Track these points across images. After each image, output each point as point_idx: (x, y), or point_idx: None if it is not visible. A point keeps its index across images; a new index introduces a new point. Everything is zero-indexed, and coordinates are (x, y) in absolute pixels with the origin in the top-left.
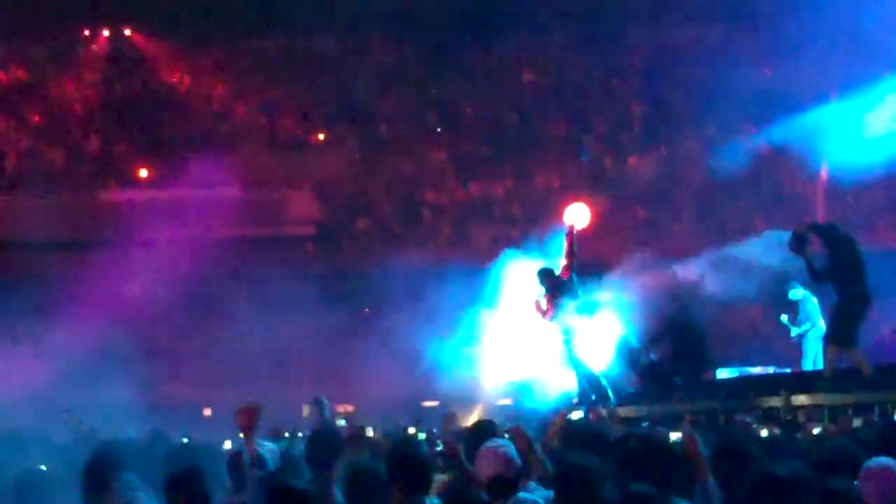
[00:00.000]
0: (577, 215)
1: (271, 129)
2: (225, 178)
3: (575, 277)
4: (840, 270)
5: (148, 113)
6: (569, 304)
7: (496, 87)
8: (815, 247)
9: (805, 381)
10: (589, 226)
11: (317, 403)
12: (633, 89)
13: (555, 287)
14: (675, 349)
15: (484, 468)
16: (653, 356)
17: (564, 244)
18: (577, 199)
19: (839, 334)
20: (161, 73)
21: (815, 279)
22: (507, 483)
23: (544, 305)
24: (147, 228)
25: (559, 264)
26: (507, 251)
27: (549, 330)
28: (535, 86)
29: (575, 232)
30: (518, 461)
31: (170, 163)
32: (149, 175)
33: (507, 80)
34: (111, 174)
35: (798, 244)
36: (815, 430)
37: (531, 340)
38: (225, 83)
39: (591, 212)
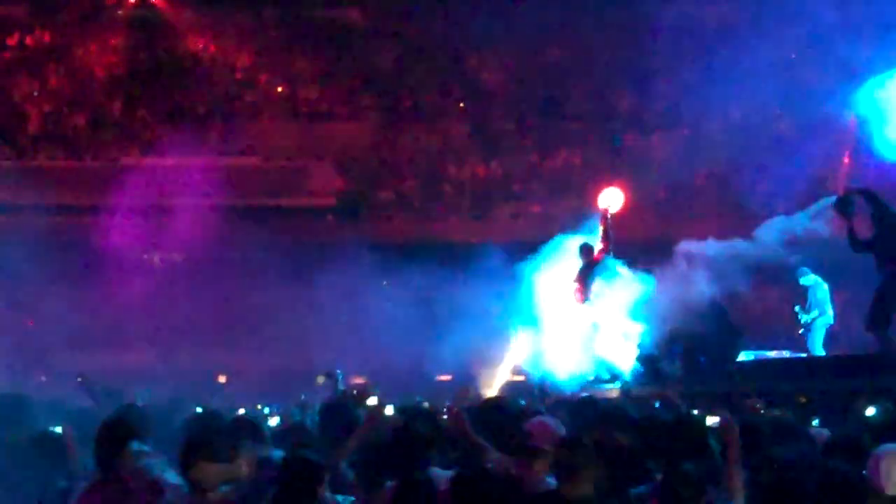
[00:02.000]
0: (612, 199)
1: (294, 100)
2: (247, 147)
3: (609, 261)
4: (885, 245)
5: (171, 80)
6: (600, 287)
7: (521, 61)
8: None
9: (819, 367)
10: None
11: (330, 376)
12: (658, 67)
13: (588, 267)
14: (704, 331)
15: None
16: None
17: (599, 228)
18: (597, 178)
19: (881, 317)
20: (185, 41)
21: (855, 248)
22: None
23: (579, 288)
24: (168, 195)
25: (596, 247)
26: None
27: (579, 310)
28: (559, 61)
29: (609, 216)
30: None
31: (192, 130)
32: (171, 142)
33: (532, 55)
34: (133, 140)
35: (844, 207)
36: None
37: (554, 317)
38: (249, 52)
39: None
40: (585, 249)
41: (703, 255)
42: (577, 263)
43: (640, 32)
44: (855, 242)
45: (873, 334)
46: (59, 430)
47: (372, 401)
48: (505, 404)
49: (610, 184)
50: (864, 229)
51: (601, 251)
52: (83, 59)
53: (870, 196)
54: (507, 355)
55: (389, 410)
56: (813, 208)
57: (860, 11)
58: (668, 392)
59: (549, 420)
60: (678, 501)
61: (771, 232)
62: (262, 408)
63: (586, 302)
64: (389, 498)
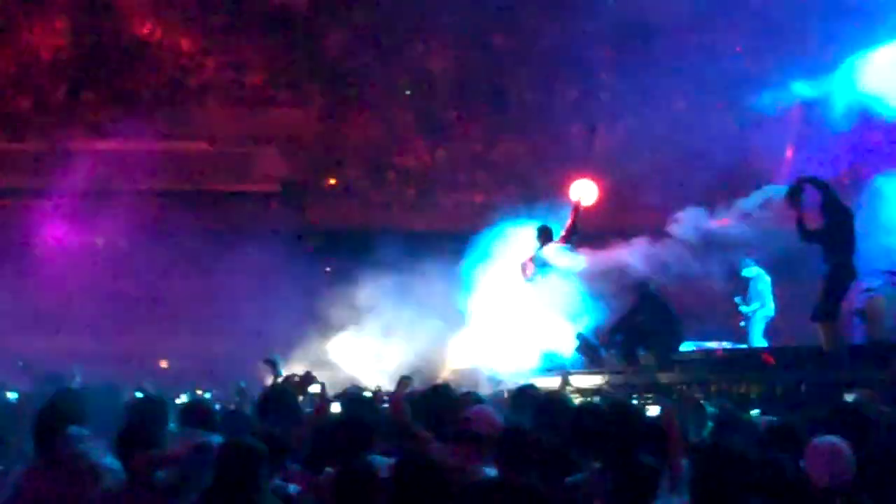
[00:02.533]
0: (584, 191)
1: (239, 85)
2: (192, 132)
3: (570, 251)
4: (833, 236)
5: (116, 64)
6: (551, 273)
7: (466, 50)
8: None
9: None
10: (558, 196)
11: (269, 363)
12: (604, 57)
13: (545, 248)
14: (644, 322)
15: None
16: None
17: (568, 219)
18: (541, 168)
19: (828, 310)
20: (131, 25)
21: (803, 237)
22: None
23: (529, 265)
24: (111, 179)
25: (559, 234)
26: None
27: (522, 299)
28: (504, 50)
29: (581, 208)
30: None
31: (137, 115)
32: (115, 126)
33: (477, 43)
34: (78, 123)
35: (794, 196)
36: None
37: (497, 307)
38: (194, 37)
39: (558, 181)
40: (544, 231)
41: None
42: (534, 244)
43: (585, 22)
44: (804, 232)
45: (820, 325)
46: None
47: (315, 388)
48: (444, 393)
49: (558, 173)
50: (812, 220)
51: (562, 239)
52: (27, 42)
53: (820, 186)
54: (451, 344)
55: (336, 408)
56: (753, 198)
57: (805, 3)
58: (606, 384)
59: (487, 408)
60: (633, 491)
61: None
62: (203, 393)
63: (530, 281)
64: (330, 485)
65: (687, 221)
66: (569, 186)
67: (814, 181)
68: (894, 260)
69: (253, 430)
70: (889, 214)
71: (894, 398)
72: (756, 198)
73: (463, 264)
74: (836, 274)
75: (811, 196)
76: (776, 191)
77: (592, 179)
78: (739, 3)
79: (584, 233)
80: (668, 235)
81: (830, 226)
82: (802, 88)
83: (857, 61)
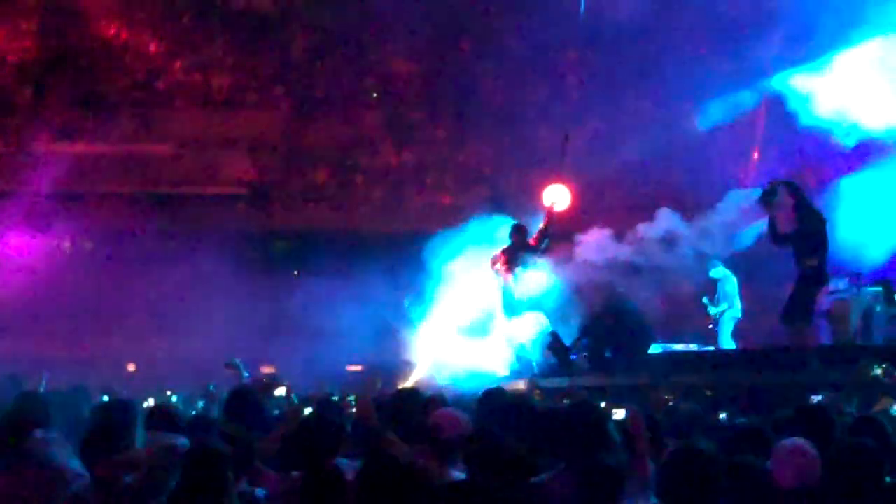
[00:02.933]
0: (557, 196)
1: (206, 88)
2: (158, 134)
3: (540, 252)
4: (805, 239)
5: (83, 66)
6: (520, 271)
7: (433, 52)
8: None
9: (728, 360)
10: (525, 199)
11: (232, 366)
12: (570, 61)
13: (517, 248)
14: (613, 325)
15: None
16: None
17: (542, 223)
18: (508, 170)
19: (795, 311)
20: (97, 27)
21: (775, 240)
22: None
23: (499, 260)
24: (77, 182)
25: (531, 235)
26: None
27: (490, 292)
28: (471, 53)
29: (554, 213)
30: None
31: (103, 117)
32: (82, 129)
33: (445, 46)
34: (44, 126)
35: (768, 198)
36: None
37: (465, 308)
38: (161, 39)
39: (525, 184)
40: (518, 229)
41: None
42: (508, 242)
43: (552, 25)
44: (776, 235)
45: (789, 328)
46: None
47: (280, 391)
48: (411, 396)
49: (525, 175)
50: (785, 223)
51: (535, 240)
52: None
53: (793, 189)
54: (418, 345)
55: (281, 391)
56: (724, 204)
57: (771, 6)
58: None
59: (454, 411)
60: (598, 492)
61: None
62: (171, 396)
63: (512, 278)
64: (297, 488)
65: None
66: (535, 188)
67: (787, 184)
68: (859, 262)
69: (219, 433)
70: (852, 216)
71: (859, 400)
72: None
73: (431, 265)
74: (808, 277)
75: (783, 200)
76: (741, 196)
77: (561, 182)
78: (705, 6)
79: (554, 237)
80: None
81: (803, 229)
82: (761, 90)
83: (824, 62)
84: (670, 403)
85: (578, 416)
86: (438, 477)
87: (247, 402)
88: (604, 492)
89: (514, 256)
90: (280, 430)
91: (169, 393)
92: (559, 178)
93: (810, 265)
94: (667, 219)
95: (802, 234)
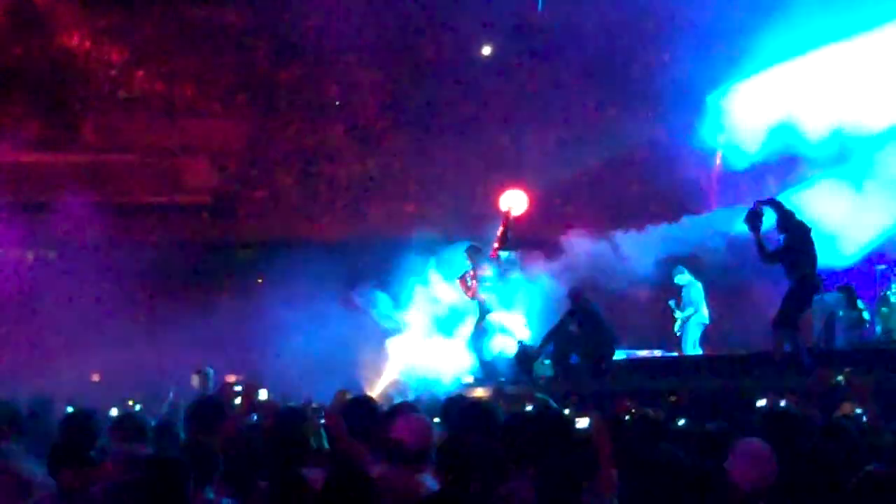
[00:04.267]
0: (514, 201)
1: (169, 97)
2: (121, 144)
3: (503, 261)
4: (795, 253)
5: (44, 75)
6: (490, 285)
7: (395, 60)
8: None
9: (690, 366)
10: (487, 207)
11: (201, 374)
12: (533, 67)
13: (478, 267)
14: (576, 331)
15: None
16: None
17: (499, 228)
18: (471, 178)
19: (790, 319)
20: (60, 36)
21: (764, 258)
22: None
23: (469, 282)
24: (41, 192)
25: (491, 246)
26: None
27: (468, 306)
28: (434, 61)
29: (511, 218)
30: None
31: (66, 126)
32: (44, 138)
33: (407, 54)
34: (6, 136)
35: (753, 219)
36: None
37: (430, 317)
38: (124, 49)
39: (487, 192)
40: (473, 251)
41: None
42: (465, 264)
43: (514, 32)
44: (764, 254)
45: (779, 333)
46: None
47: (263, 394)
48: (372, 404)
49: (488, 183)
50: (773, 240)
51: (495, 250)
52: None
53: (775, 205)
54: (384, 355)
55: (263, 394)
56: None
57: (736, 13)
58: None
59: (420, 418)
60: (555, 497)
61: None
62: (134, 406)
63: (473, 300)
64: (264, 497)
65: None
66: (499, 196)
67: (768, 202)
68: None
69: (183, 443)
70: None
71: (820, 404)
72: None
73: (395, 274)
74: (802, 285)
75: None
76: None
77: (523, 190)
78: (668, 12)
79: (514, 242)
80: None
81: (789, 243)
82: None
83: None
84: (633, 410)
85: (542, 422)
86: (408, 487)
87: (211, 409)
88: (560, 498)
89: (477, 275)
90: (226, 429)
91: (131, 402)
92: (517, 184)
93: (800, 276)
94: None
95: (790, 247)
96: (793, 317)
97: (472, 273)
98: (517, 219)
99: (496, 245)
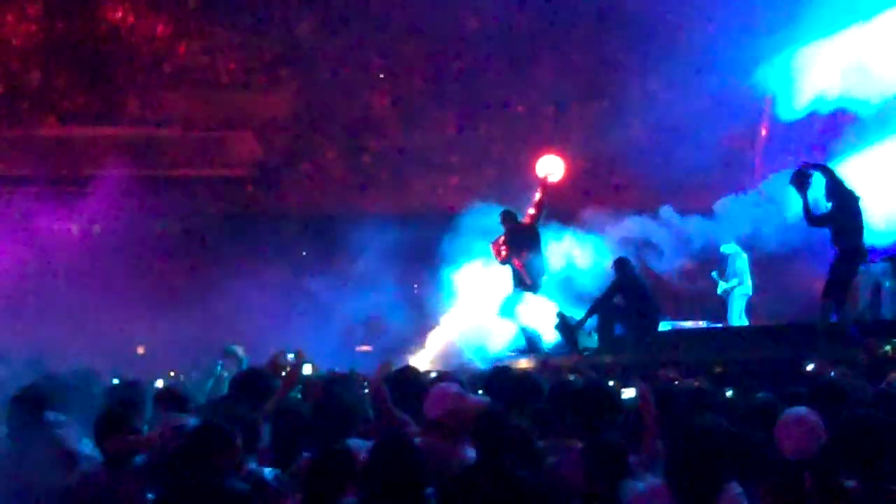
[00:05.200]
0: (551, 167)
1: (213, 70)
2: (165, 117)
3: (538, 228)
4: (840, 220)
5: (90, 49)
6: (524, 253)
7: (439, 32)
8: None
9: (738, 337)
10: (532, 178)
11: (230, 354)
12: (576, 39)
13: (514, 232)
14: (623, 302)
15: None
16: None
17: (536, 195)
18: (516, 150)
19: (836, 290)
20: (104, 10)
21: (810, 222)
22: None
23: (501, 246)
24: (86, 166)
25: (526, 212)
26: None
27: (500, 273)
28: (477, 32)
29: (548, 184)
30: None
31: (111, 100)
32: (89, 112)
33: (450, 25)
34: (51, 110)
35: (801, 180)
36: None
37: (475, 289)
38: (167, 22)
39: (531, 163)
40: (506, 215)
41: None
42: (500, 229)
43: (558, 3)
44: (809, 217)
45: (826, 303)
46: None
47: (307, 369)
48: (416, 375)
49: (532, 154)
50: (819, 204)
51: (531, 216)
52: None
53: (825, 171)
54: (429, 326)
55: (308, 369)
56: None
57: None
58: (581, 364)
59: (448, 388)
60: (602, 469)
61: None
62: (178, 377)
63: (504, 263)
64: (307, 469)
65: None
66: (559, 164)
67: (819, 166)
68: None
69: (227, 414)
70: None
71: (867, 374)
72: None
73: (439, 246)
74: (848, 255)
75: (818, 180)
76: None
77: (566, 159)
78: None
79: (551, 210)
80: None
81: (837, 210)
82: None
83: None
84: (677, 382)
85: (587, 393)
86: (449, 457)
87: (256, 382)
88: (608, 469)
89: (511, 241)
90: (275, 399)
91: (173, 374)
92: (555, 150)
93: (846, 245)
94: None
95: (837, 214)
96: (839, 287)
97: (503, 238)
98: (556, 185)
99: (532, 211)
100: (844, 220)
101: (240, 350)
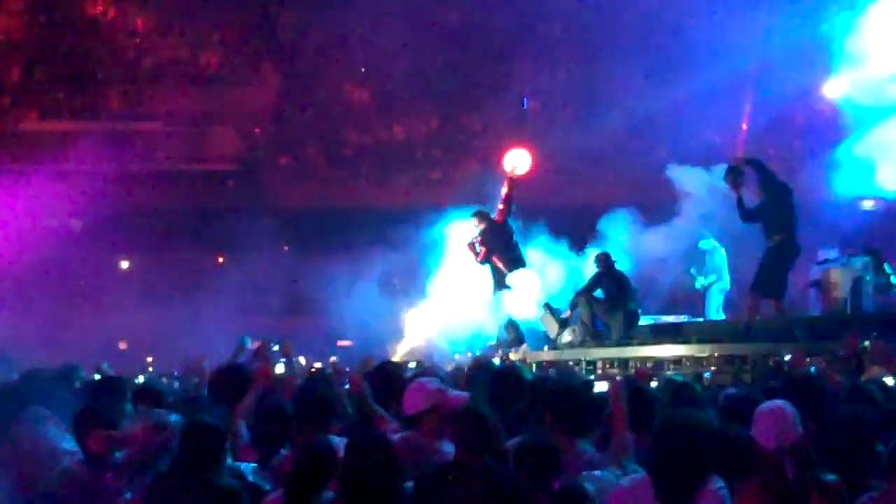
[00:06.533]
0: (518, 161)
1: (194, 64)
2: (147, 112)
3: (510, 223)
4: (773, 213)
5: (71, 44)
6: (500, 249)
7: (421, 26)
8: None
9: (713, 331)
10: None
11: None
12: (559, 32)
13: (489, 230)
14: (605, 297)
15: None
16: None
17: (503, 189)
18: (498, 144)
19: (767, 284)
20: (85, 4)
21: (744, 217)
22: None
23: (478, 248)
24: (66, 160)
25: (496, 208)
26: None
27: (479, 272)
28: (459, 26)
29: (515, 178)
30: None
31: (91, 94)
32: (70, 107)
33: (432, 19)
34: (32, 104)
35: (734, 177)
36: None
37: (456, 282)
38: (149, 16)
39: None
40: (480, 215)
41: None
42: (474, 229)
43: None
44: (744, 212)
45: (755, 298)
46: None
47: (279, 369)
48: (396, 371)
49: (512, 146)
50: (753, 198)
51: (500, 212)
52: None
53: (757, 165)
54: (409, 321)
55: (280, 369)
56: None
57: None
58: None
59: (426, 383)
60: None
61: None
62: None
63: (483, 263)
64: (288, 463)
65: None
66: (526, 158)
67: (750, 161)
68: (847, 233)
69: (206, 410)
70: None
71: (847, 368)
72: None
73: (420, 240)
74: (780, 248)
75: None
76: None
77: (531, 152)
78: None
79: (518, 203)
80: None
81: (768, 204)
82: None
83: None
84: (653, 375)
85: (564, 387)
86: (426, 453)
87: (231, 379)
88: (538, 468)
89: (488, 240)
90: (250, 395)
91: (151, 370)
92: (523, 144)
93: (778, 239)
94: None
95: (769, 208)
96: (778, 281)
97: (479, 238)
98: (521, 178)
99: (501, 207)
100: (777, 213)
101: (249, 341)
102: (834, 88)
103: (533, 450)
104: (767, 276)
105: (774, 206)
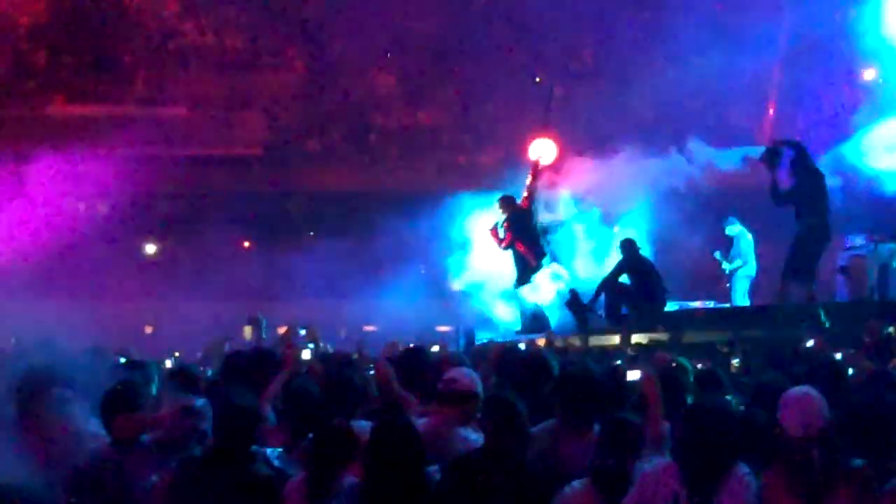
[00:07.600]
0: (543, 150)
1: (221, 49)
2: (173, 96)
3: (534, 211)
4: (805, 197)
5: (97, 29)
6: (526, 235)
7: (447, 10)
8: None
9: (745, 317)
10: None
11: (254, 322)
12: (585, 17)
13: (514, 216)
14: (630, 283)
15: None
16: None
17: (528, 178)
18: (524, 129)
19: (797, 269)
20: None
21: (776, 199)
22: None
23: (501, 234)
24: (93, 144)
25: (521, 195)
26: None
27: (503, 258)
28: (486, 10)
29: (540, 167)
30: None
31: (117, 79)
32: (96, 91)
33: (459, 3)
34: (58, 89)
35: (770, 158)
36: None
37: (481, 267)
38: (175, 1)
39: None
40: (505, 201)
41: None
42: (499, 215)
43: None
44: (776, 194)
45: (789, 283)
46: None
47: (305, 354)
48: (424, 355)
49: (538, 135)
50: (786, 182)
51: (525, 199)
52: (6, 6)
53: (795, 147)
54: (435, 305)
55: (306, 354)
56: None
57: None
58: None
59: (466, 370)
60: (620, 448)
61: None
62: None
63: (507, 249)
64: (309, 447)
65: None
66: (551, 147)
67: (789, 143)
68: (877, 219)
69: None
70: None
71: (874, 354)
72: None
73: (446, 225)
74: (809, 234)
75: (785, 158)
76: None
77: (547, 136)
78: None
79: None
80: None
81: (802, 187)
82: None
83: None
84: (673, 364)
85: (593, 374)
86: (455, 439)
87: (259, 362)
88: (622, 450)
89: (512, 226)
90: (278, 380)
91: (177, 354)
92: (548, 133)
93: (809, 223)
94: None
95: (802, 191)
96: (805, 267)
97: (505, 223)
98: (546, 168)
99: (525, 195)
100: (808, 198)
101: (264, 320)
102: (863, 73)
103: (619, 428)
104: (798, 262)
105: (807, 190)
